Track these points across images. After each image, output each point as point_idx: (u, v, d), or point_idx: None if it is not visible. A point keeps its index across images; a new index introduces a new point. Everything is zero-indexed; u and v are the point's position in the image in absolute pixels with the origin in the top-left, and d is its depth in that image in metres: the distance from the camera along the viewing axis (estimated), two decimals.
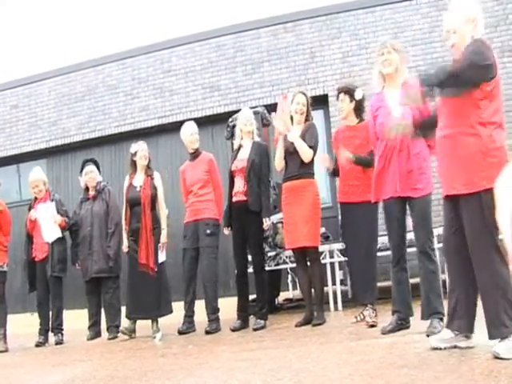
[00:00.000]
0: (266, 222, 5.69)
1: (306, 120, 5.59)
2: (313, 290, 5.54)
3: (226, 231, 5.98)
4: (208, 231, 5.92)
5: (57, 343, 6.45)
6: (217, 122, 9.58)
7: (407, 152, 4.25)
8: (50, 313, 6.61)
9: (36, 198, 6.74)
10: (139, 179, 6.29)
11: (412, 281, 4.48)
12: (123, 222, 6.29)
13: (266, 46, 9.82)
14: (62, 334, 6.59)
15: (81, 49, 21.37)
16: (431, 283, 4.20)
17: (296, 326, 5.38)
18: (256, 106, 7.96)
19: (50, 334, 6.59)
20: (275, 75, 9.64)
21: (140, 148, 6.32)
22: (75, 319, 7.52)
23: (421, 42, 9.03)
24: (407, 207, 4.40)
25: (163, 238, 6.22)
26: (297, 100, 5.55)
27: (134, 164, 6.37)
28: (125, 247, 6.23)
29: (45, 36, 23.65)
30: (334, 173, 5.56)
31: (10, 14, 24.82)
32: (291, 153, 5.43)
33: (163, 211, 6.34)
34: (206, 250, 5.92)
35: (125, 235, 6.25)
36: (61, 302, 6.65)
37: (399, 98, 3.85)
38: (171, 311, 6.20)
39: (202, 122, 9.84)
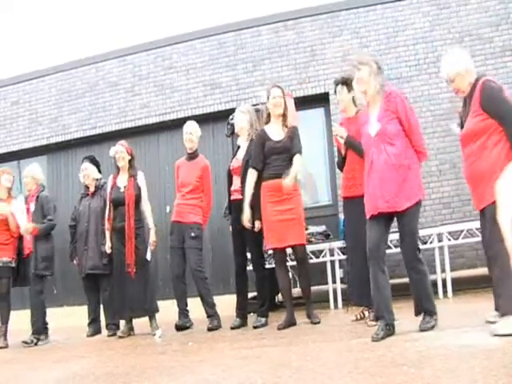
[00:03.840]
0: (257, 224, 5.62)
1: (284, 115, 5.51)
2: (298, 290, 5.49)
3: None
4: (192, 234, 6.02)
5: (34, 343, 6.29)
6: (217, 120, 9.56)
7: (386, 166, 4.19)
8: (30, 312, 6.47)
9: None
10: (123, 180, 6.28)
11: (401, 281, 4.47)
12: (106, 221, 6.26)
13: (266, 44, 9.80)
14: (40, 334, 6.42)
15: (81, 45, 21.34)
16: (420, 290, 4.26)
17: (279, 328, 5.28)
18: (257, 104, 7.96)
19: (51, 330, 6.58)
20: (276, 73, 9.62)
21: (115, 151, 6.32)
22: (74, 316, 7.53)
23: (422, 40, 9.01)
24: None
25: (152, 236, 6.21)
26: (273, 94, 5.50)
27: (117, 165, 6.36)
28: (108, 247, 6.20)
29: (46, 32, 23.63)
30: (340, 166, 5.54)
31: (12, 11, 24.80)
32: (275, 152, 5.39)
33: (148, 210, 6.31)
34: (191, 251, 6.01)
35: (108, 235, 6.23)
36: (38, 301, 6.44)
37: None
38: (158, 310, 6.19)
39: (203, 120, 9.85)
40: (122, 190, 6.20)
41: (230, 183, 5.91)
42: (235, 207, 5.80)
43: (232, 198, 5.84)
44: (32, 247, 6.50)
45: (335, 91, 5.52)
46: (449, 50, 4.38)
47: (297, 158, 5.34)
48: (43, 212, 6.53)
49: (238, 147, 6.00)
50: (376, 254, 4.24)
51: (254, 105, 7.99)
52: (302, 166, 5.41)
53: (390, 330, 4.17)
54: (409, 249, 4.25)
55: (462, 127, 4.18)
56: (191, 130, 6.26)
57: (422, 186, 4.35)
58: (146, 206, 6.30)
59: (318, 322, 5.28)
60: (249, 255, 5.96)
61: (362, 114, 4.67)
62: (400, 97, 4.35)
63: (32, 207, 6.57)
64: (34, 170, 6.85)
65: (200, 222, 6.14)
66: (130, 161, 6.35)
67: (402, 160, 4.20)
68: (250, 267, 6.02)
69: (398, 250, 4.66)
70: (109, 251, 6.19)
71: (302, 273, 5.45)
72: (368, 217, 4.35)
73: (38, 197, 6.62)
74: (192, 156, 6.27)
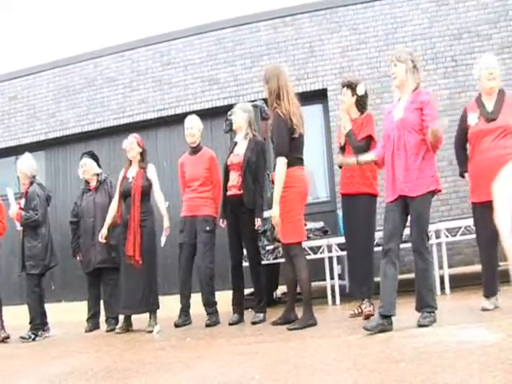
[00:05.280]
0: (258, 222, 5.62)
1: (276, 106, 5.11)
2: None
3: (222, 224, 5.98)
4: (207, 228, 5.95)
5: (31, 338, 6.26)
6: (216, 116, 9.55)
7: (404, 151, 4.38)
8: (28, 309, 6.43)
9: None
10: (133, 172, 6.29)
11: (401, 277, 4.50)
12: (111, 213, 6.27)
13: (265, 40, 9.79)
14: (36, 333, 6.35)
15: (80, 41, 21.27)
16: (423, 280, 4.34)
17: (273, 324, 5.29)
18: (255, 100, 7.96)
19: (50, 325, 6.59)
20: None
21: (126, 143, 6.33)
22: (74, 311, 7.54)
23: (420, 37, 9.01)
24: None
25: (166, 223, 6.19)
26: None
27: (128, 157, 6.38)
28: (102, 236, 6.25)
29: (44, 28, 23.56)
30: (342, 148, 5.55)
31: (12, 10, 24.73)
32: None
33: (162, 201, 6.29)
34: (202, 246, 5.94)
35: (106, 226, 6.27)
36: (30, 299, 6.37)
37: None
38: (158, 306, 6.17)
39: (201, 115, 9.71)
40: (130, 181, 6.21)
41: (227, 179, 5.88)
42: (232, 203, 5.78)
43: (229, 193, 5.81)
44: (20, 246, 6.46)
45: (341, 92, 5.53)
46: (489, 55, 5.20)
47: (276, 166, 4.99)
48: (31, 208, 6.36)
49: (235, 143, 5.98)
50: (388, 246, 4.37)
51: (252, 101, 8.00)
52: (280, 173, 4.96)
53: (384, 325, 4.21)
54: (417, 234, 4.36)
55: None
56: (192, 124, 6.24)
57: (437, 177, 4.45)
58: (158, 197, 6.29)
59: (311, 325, 4.92)
60: (245, 251, 5.96)
61: (392, 104, 4.81)
62: (428, 93, 4.60)
63: (22, 203, 6.46)
64: (22, 165, 6.64)
65: (214, 215, 6.05)
66: (141, 153, 6.34)
67: (417, 150, 4.37)
68: (245, 263, 6.03)
69: (401, 245, 4.67)
70: (104, 241, 6.24)
71: (296, 271, 5.14)
72: (387, 202, 4.53)
73: (27, 193, 6.49)
74: (195, 150, 6.24)
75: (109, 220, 6.27)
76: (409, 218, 4.46)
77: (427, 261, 4.34)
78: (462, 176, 5.16)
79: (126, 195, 6.19)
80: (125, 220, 6.16)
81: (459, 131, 5.09)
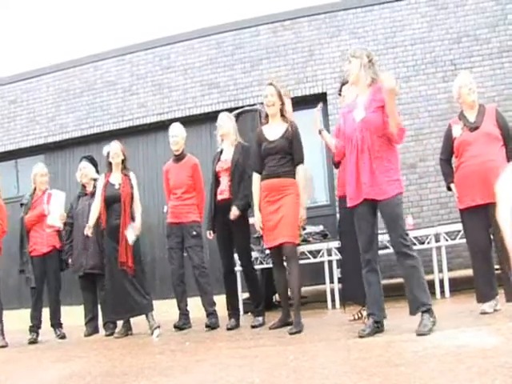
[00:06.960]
0: (234, 211, 5.58)
1: (282, 114, 5.40)
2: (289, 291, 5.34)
3: (210, 236, 5.98)
4: (194, 233, 6.01)
5: (61, 337, 6.53)
6: (215, 119, 9.50)
7: (368, 154, 4.30)
8: (49, 308, 6.63)
9: (34, 191, 6.82)
10: (116, 178, 6.28)
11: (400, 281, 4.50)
12: (95, 215, 6.20)
13: (264, 44, 9.80)
14: (62, 328, 6.67)
15: (79, 44, 21.29)
16: (413, 278, 4.23)
17: (270, 328, 5.32)
18: (254, 104, 7.97)
19: (43, 331, 6.58)
20: (274, 73, 9.61)
21: (111, 148, 6.35)
22: (72, 315, 7.52)
23: (420, 40, 9.03)
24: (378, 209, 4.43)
25: (138, 223, 6.18)
26: (264, 93, 5.41)
27: (109, 164, 6.37)
28: (88, 229, 6.11)
29: (43, 31, 23.60)
30: (335, 164, 5.55)
31: (9, 8, 24.76)
32: (270, 153, 5.29)
33: (139, 210, 6.31)
34: (193, 249, 6.00)
35: (90, 226, 6.12)
36: (59, 297, 6.75)
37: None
38: (152, 308, 6.15)
39: (201, 119, 9.89)
40: (116, 187, 6.20)
41: (217, 186, 5.89)
42: (223, 207, 5.75)
43: (220, 197, 5.81)
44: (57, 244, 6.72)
45: (340, 90, 5.50)
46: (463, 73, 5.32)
47: (298, 171, 5.28)
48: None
49: (221, 151, 6.00)
50: (367, 256, 4.40)
51: (252, 105, 8.01)
52: (304, 178, 5.32)
53: (378, 328, 4.31)
54: (396, 237, 4.27)
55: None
56: (175, 132, 6.30)
57: (400, 180, 4.40)
58: (138, 208, 6.30)
59: (296, 332, 4.89)
60: (236, 257, 5.98)
61: (348, 103, 4.77)
62: None
63: (46, 209, 6.68)
64: (45, 170, 7.06)
65: (199, 220, 6.13)
66: (122, 160, 6.38)
67: (381, 152, 4.30)
68: (237, 267, 6.06)
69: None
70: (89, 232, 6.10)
71: (290, 271, 5.18)
72: (351, 205, 4.47)
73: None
74: (179, 157, 6.28)
75: (92, 222, 6.15)
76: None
77: (413, 257, 4.23)
78: (449, 189, 5.19)
79: (111, 201, 6.16)
80: (111, 225, 6.11)
81: (445, 146, 5.19)
